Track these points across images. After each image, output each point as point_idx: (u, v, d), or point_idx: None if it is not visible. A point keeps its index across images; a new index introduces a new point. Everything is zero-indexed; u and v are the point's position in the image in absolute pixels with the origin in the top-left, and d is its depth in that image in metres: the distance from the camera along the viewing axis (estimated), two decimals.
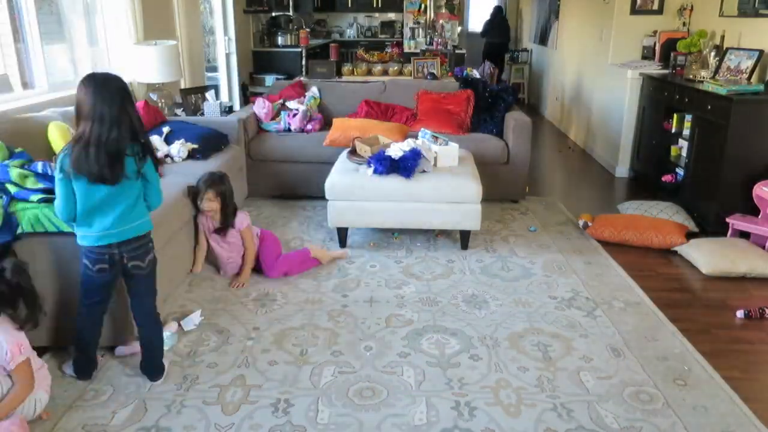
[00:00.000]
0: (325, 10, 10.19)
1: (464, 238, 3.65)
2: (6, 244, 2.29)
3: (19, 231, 2.31)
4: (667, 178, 4.60)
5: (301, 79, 5.50)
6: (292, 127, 4.62)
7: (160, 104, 4.49)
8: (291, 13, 8.75)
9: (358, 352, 2.55)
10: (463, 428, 2.10)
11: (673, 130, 4.52)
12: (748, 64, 4.06)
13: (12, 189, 2.37)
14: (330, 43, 8.52)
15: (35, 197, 2.35)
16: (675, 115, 4.50)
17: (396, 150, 3.62)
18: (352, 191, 3.52)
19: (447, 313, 2.89)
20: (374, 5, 9.78)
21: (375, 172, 3.51)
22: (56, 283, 2.40)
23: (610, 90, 5.68)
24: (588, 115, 6.44)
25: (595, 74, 6.19)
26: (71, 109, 3.44)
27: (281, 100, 4.79)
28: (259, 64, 7.61)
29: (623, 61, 5.49)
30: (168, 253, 2.93)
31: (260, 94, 5.06)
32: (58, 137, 2.99)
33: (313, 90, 4.98)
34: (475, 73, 6.46)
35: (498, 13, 10.34)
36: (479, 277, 3.28)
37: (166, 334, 2.53)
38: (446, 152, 3.70)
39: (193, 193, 3.15)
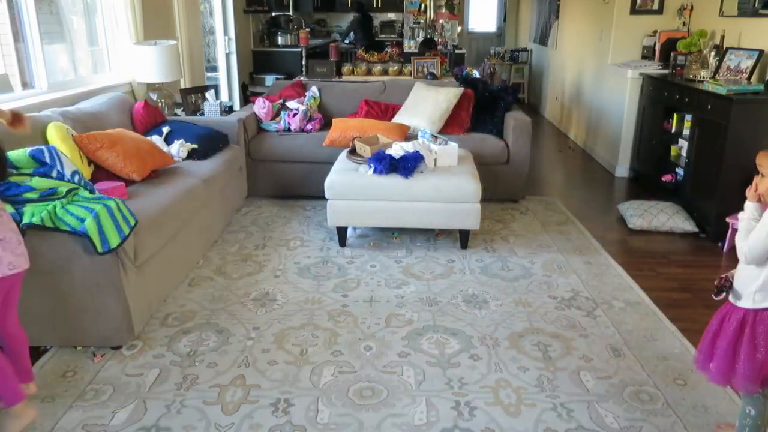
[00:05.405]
0: (325, 10, 10.18)
1: (464, 238, 3.65)
2: None
3: (28, 221, 2.28)
4: (667, 177, 4.60)
5: (301, 79, 5.50)
6: (292, 127, 4.62)
7: (160, 104, 4.49)
8: (291, 13, 8.76)
9: (358, 352, 2.55)
10: (463, 428, 2.10)
11: (673, 130, 4.52)
12: (748, 64, 4.06)
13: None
14: (330, 43, 8.52)
15: (34, 194, 2.35)
16: (675, 115, 4.49)
17: (398, 149, 3.62)
18: (352, 191, 3.52)
19: (447, 313, 2.89)
20: (374, 5, 9.78)
21: (375, 171, 3.51)
22: (56, 282, 2.40)
23: (610, 90, 5.67)
24: (588, 115, 6.44)
25: (595, 74, 6.19)
26: (71, 108, 3.46)
27: (281, 100, 4.79)
28: (259, 64, 7.61)
29: (623, 61, 5.49)
30: (167, 254, 2.94)
31: (260, 94, 5.05)
32: (57, 138, 2.99)
33: (313, 90, 4.97)
34: (475, 73, 6.47)
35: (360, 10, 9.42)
36: (479, 277, 3.28)
37: None
38: (446, 152, 3.70)
39: None
